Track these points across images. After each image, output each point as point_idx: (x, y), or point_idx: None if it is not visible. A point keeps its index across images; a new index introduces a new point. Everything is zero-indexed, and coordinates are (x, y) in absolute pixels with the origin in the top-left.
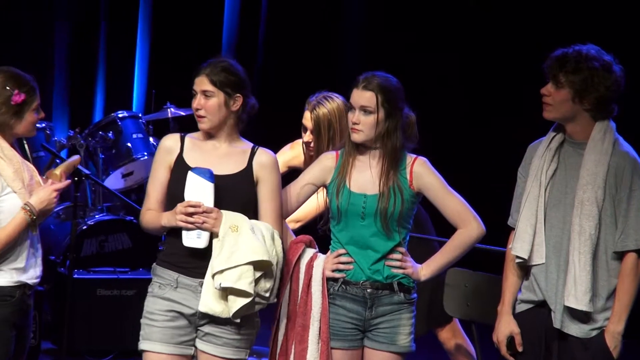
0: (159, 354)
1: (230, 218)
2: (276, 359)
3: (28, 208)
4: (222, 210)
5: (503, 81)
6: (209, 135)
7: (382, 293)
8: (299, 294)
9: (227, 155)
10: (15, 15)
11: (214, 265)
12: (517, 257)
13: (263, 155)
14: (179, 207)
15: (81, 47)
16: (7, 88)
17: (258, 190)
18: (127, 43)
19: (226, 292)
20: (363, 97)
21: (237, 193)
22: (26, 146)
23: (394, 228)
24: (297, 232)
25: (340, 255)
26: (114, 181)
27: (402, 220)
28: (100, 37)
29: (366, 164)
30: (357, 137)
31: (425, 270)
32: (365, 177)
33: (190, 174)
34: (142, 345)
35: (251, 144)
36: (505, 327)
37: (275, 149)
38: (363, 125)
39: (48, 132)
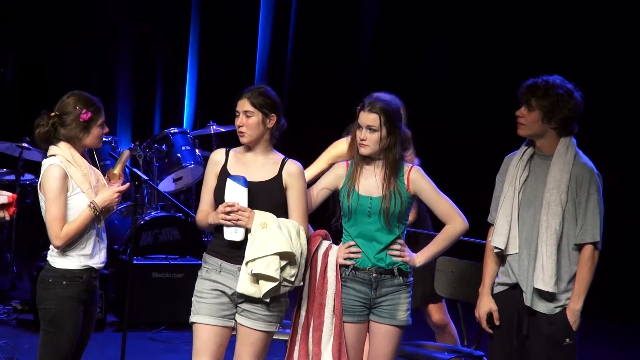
0: (206, 325)
1: (261, 216)
2: (298, 331)
3: (93, 205)
4: (254, 210)
5: (487, 101)
6: (248, 148)
7: (384, 277)
8: (317, 277)
9: (262, 165)
10: (83, 45)
11: (247, 255)
12: (495, 247)
13: (291, 165)
14: (220, 207)
15: (141, 76)
16: (77, 108)
17: (287, 194)
18: (179, 72)
19: (257, 277)
20: (369, 118)
21: (269, 196)
22: (95, 156)
23: (394, 224)
24: (314, 227)
25: (350, 246)
26: (166, 185)
27: (401, 218)
28: (157, 69)
29: (371, 172)
30: (364, 151)
31: (419, 258)
32: (371, 182)
33: (228, 180)
34: (193, 318)
35: (282, 156)
36: (485, 305)
37: (305, 156)
38: (369, 141)
39: (113, 144)
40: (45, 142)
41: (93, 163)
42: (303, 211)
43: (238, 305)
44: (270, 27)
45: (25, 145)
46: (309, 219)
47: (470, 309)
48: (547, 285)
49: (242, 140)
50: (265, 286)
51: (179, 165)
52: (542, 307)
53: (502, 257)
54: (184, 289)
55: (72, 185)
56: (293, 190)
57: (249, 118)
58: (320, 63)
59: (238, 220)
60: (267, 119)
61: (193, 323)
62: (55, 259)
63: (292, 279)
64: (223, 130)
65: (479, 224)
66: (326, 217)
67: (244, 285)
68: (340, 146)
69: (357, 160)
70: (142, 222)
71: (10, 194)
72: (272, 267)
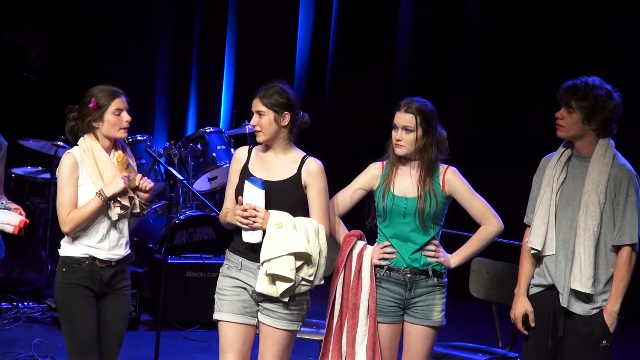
0: (229, 323)
1: (276, 217)
2: (332, 331)
3: (100, 193)
4: (270, 211)
5: (523, 104)
6: (267, 146)
7: (419, 277)
8: (352, 278)
9: (281, 164)
10: (122, 45)
11: (262, 255)
12: (532, 248)
13: (311, 163)
14: (236, 209)
15: (178, 76)
16: (88, 97)
17: (307, 192)
18: (215, 73)
19: (274, 277)
20: (405, 118)
21: (287, 195)
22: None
23: (429, 225)
24: (349, 227)
25: (385, 246)
26: (201, 184)
27: (436, 219)
28: (193, 68)
29: (407, 172)
30: (400, 151)
31: (454, 259)
32: (406, 183)
33: (246, 182)
34: (216, 315)
35: (303, 153)
36: (521, 306)
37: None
38: (405, 142)
39: (148, 143)
40: (74, 136)
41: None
42: (323, 209)
43: (259, 303)
44: (311, 25)
45: (60, 143)
46: (343, 220)
47: (504, 311)
48: (584, 287)
49: (259, 139)
50: (282, 286)
51: (214, 164)
52: (579, 308)
53: (538, 258)
54: (216, 289)
55: (84, 175)
56: (312, 189)
57: (261, 117)
58: (362, 62)
59: (253, 222)
60: (280, 117)
61: (217, 320)
62: (62, 248)
63: (311, 278)
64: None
65: (514, 226)
66: (361, 218)
67: (262, 285)
68: (375, 171)
69: (393, 160)
70: (176, 221)
71: (20, 219)
72: (286, 267)
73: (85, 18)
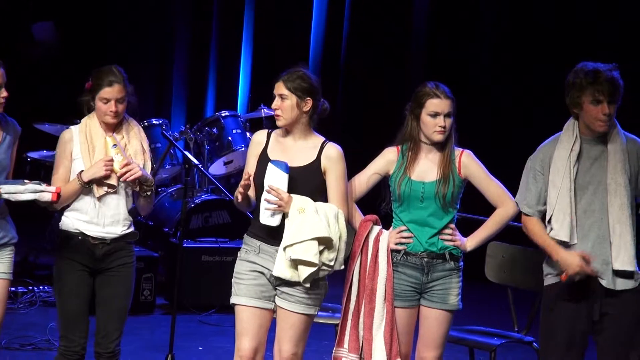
0: (245, 307)
1: (298, 202)
2: (349, 316)
3: (79, 175)
4: (292, 195)
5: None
6: (287, 131)
7: (436, 262)
8: (368, 262)
9: (301, 150)
10: (143, 31)
11: (284, 240)
12: (560, 241)
13: (330, 149)
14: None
15: (196, 60)
16: (89, 78)
17: (326, 178)
18: (233, 57)
19: (296, 262)
20: (447, 105)
21: (306, 181)
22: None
23: (447, 208)
24: (364, 212)
25: (401, 231)
26: (217, 167)
27: (453, 202)
28: (211, 52)
29: (424, 157)
30: (441, 138)
31: (470, 242)
32: (423, 167)
33: (270, 165)
34: (233, 299)
35: (322, 139)
36: (572, 256)
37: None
38: (447, 128)
39: (164, 127)
40: (88, 110)
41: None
42: (342, 195)
43: (277, 287)
44: (325, 9)
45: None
46: (358, 205)
47: (520, 295)
48: (630, 265)
49: (278, 123)
50: (305, 271)
51: (229, 148)
52: (623, 284)
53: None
54: (233, 273)
55: (76, 150)
56: (332, 174)
57: (284, 101)
58: (377, 45)
59: (279, 206)
60: (302, 102)
61: (234, 304)
62: (61, 220)
63: (332, 263)
64: (273, 113)
65: None
66: (376, 203)
67: (281, 269)
68: (390, 155)
69: (412, 145)
70: (192, 205)
71: (53, 187)
72: (310, 251)
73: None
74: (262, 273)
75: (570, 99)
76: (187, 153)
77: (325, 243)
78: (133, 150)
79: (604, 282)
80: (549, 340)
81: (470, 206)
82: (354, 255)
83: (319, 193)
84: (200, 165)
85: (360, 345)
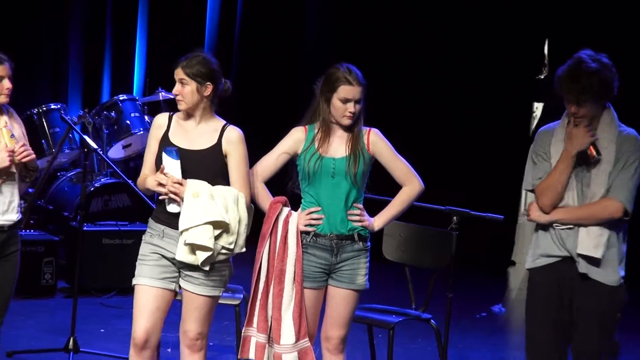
0: (145, 287)
1: (193, 186)
2: (258, 296)
3: None
4: (187, 180)
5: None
6: (188, 114)
7: (345, 243)
8: (277, 244)
9: (202, 133)
10: (37, 18)
11: (180, 224)
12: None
13: (231, 132)
14: (154, 178)
15: (91, 44)
16: None
17: (228, 161)
18: (128, 40)
19: (193, 246)
20: (358, 91)
21: (208, 164)
22: (45, 122)
23: (356, 186)
24: (272, 193)
25: (311, 212)
26: (116, 151)
27: (362, 180)
28: (106, 36)
29: (334, 135)
30: (349, 122)
31: (378, 222)
32: (334, 145)
33: (163, 154)
34: (134, 280)
35: (223, 122)
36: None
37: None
38: (356, 113)
39: (62, 111)
40: None
41: (41, 129)
42: (243, 178)
43: (180, 270)
44: None
45: None
46: (267, 184)
47: (417, 273)
48: (590, 251)
49: (180, 107)
50: (202, 255)
51: (128, 132)
52: (597, 275)
53: (550, 229)
54: (133, 255)
55: None
56: (233, 158)
57: (184, 87)
58: (271, 27)
59: (172, 192)
60: (203, 87)
61: (135, 285)
62: None
63: (231, 247)
64: (172, 96)
65: (429, 189)
66: (284, 183)
67: (182, 254)
68: (298, 135)
69: (322, 125)
70: (91, 189)
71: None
72: (204, 235)
73: None
74: (164, 255)
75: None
76: (85, 137)
77: (222, 227)
78: (17, 135)
79: (579, 267)
80: (532, 320)
81: (376, 187)
82: (264, 237)
83: (221, 176)
84: (99, 149)
85: (269, 325)
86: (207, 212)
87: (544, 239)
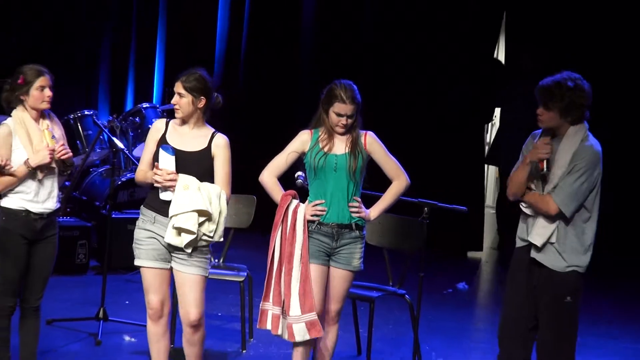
0: (148, 268)
1: (184, 179)
2: (273, 275)
3: (26, 163)
4: (179, 174)
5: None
6: (183, 121)
7: (344, 231)
8: (287, 230)
9: (195, 137)
10: (70, 37)
11: (170, 210)
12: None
13: (219, 138)
14: (152, 172)
15: (117, 59)
16: (17, 74)
17: (214, 162)
18: (149, 56)
19: (179, 230)
20: (350, 109)
21: (199, 164)
22: (79, 126)
23: (354, 180)
24: (284, 186)
25: (316, 204)
26: (139, 151)
27: (359, 176)
28: (130, 52)
29: (335, 137)
30: (341, 132)
31: (373, 213)
32: (336, 144)
33: (160, 149)
34: (136, 262)
35: (212, 130)
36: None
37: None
38: (347, 125)
39: (94, 117)
40: (8, 105)
41: (76, 132)
42: (226, 177)
43: (171, 253)
44: (228, 12)
45: None
46: (279, 179)
47: (394, 256)
48: (533, 238)
49: (177, 115)
50: (186, 238)
51: None
52: (545, 260)
53: (526, 216)
54: (133, 239)
55: (16, 141)
56: (218, 159)
57: (181, 98)
58: (273, 46)
59: (168, 182)
60: (197, 100)
61: (138, 266)
62: (2, 200)
63: (211, 234)
64: (174, 107)
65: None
66: (292, 179)
67: (170, 237)
68: (304, 137)
69: (324, 130)
70: (119, 183)
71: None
72: (190, 221)
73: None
74: (157, 240)
75: None
76: (114, 139)
77: (205, 215)
78: (58, 136)
79: (532, 253)
80: (508, 294)
81: (372, 185)
82: (276, 224)
83: (208, 174)
84: (125, 149)
85: (282, 299)
86: (194, 202)
87: (522, 224)
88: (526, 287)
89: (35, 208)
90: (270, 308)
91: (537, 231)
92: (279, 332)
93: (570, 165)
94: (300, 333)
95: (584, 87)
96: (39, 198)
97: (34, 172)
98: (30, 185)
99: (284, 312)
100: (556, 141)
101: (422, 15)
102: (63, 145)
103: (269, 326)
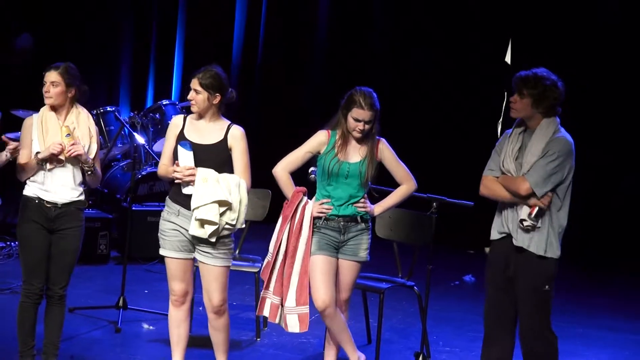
0: (172, 259)
1: (203, 173)
2: (276, 266)
3: (35, 154)
4: (198, 168)
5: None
6: (200, 115)
7: (350, 224)
8: (295, 225)
9: (212, 131)
10: (94, 37)
11: (192, 203)
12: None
13: (235, 130)
14: (172, 169)
15: (138, 58)
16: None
17: (232, 153)
18: (168, 55)
19: (202, 222)
20: (367, 115)
21: (216, 156)
22: (102, 121)
23: (363, 185)
24: (296, 183)
25: (323, 203)
26: (159, 146)
27: (369, 179)
28: (151, 52)
29: (350, 143)
30: (359, 136)
31: (377, 209)
32: (350, 151)
33: (178, 146)
34: (161, 252)
35: (228, 122)
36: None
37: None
38: (366, 130)
39: (116, 113)
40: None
41: (99, 127)
42: (244, 166)
43: (196, 246)
44: (245, 15)
45: None
46: (291, 176)
47: (403, 248)
48: (525, 221)
49: (193, 110)
50: (209, 229)
51: None
52: (533, 246)
53: (502, 209)
54: (159, 229)
55: (34, 134)
56: (236, 150)
57: (197, 94)
58: (289, 42)
59: (188, 178)
60: (212, 97)
61: (163, 256)
62: (24, 189)
63: (233, 222)
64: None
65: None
66: (304, 174)
67: (194, 229)
68: (322, 137)
69: (340, 134)
70: (139, 176)
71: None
72: (211, 212)
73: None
74: (181, 232)
75: None
76: (135, 134)
77: (226, 205)
78: (80, 134)
79: (515, 241)
80: (488, 282)
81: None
82: (285, 219)
83: (226, 165)
84: (145, 144)
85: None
86: (213, 193)
87: (497, 218)
88: (504, 278)
89: (47, 196)
90: (269, 297)
91: (525, 212)
92: (277, 321)
93: (544, 151)
94: (292, 325)
95: (557, 83)
96: (49, 187)
97: (43, 163)
98: (40, 174)
99: (283, 302)
100: (528, 134)
101: (429, 17)
102: (74, 144)
103: (266, 313)
